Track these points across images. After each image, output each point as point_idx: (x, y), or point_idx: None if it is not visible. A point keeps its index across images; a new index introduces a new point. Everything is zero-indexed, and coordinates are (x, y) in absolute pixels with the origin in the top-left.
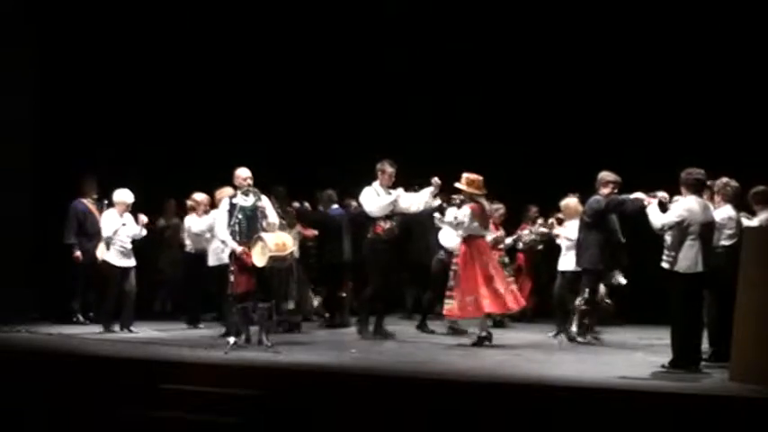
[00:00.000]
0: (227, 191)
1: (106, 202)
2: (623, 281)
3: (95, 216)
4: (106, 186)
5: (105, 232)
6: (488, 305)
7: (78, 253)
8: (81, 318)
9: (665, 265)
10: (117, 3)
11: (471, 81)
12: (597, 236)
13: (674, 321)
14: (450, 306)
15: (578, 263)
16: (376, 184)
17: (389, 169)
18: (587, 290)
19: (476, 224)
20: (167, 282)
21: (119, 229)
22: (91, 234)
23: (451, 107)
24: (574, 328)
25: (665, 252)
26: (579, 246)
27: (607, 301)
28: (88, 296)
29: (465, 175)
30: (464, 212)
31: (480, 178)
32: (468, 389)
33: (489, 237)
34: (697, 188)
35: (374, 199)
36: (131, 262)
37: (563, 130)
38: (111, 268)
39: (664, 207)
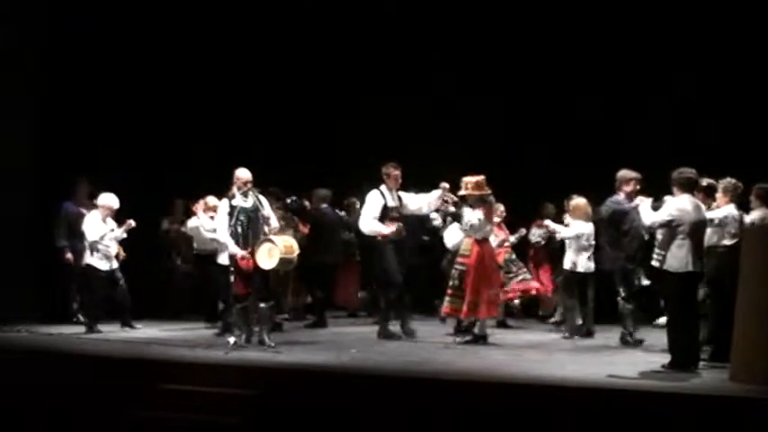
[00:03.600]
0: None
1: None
2: (645, 282)
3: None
4: (107, 189)
5: (90, 236)
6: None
7: (69, 255)
8: (81, 318)
9: (655, 263)
10: (117, 5)
11: (476, 80)
12: (617, 236)
13: (668, 322)
14: (471, 308)
15: (602, 263)
16: (383, 187)
17: (395, 172)
18: (623, 289)
19: (489, 227)
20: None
21: (105, 234)
22: (82, 236)
23: (455, 107)
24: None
25: (656, 251)
26: (600, 246)
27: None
28: (84, 297)
29: (467, 180)
30: (477, 215)
31: (482, 177)
32: (467, 389)
33: (494, 240)
34: (689, 187)
35: (370, 217)
36: (115, 264)
37: (574, 128)
38: (95, 272)
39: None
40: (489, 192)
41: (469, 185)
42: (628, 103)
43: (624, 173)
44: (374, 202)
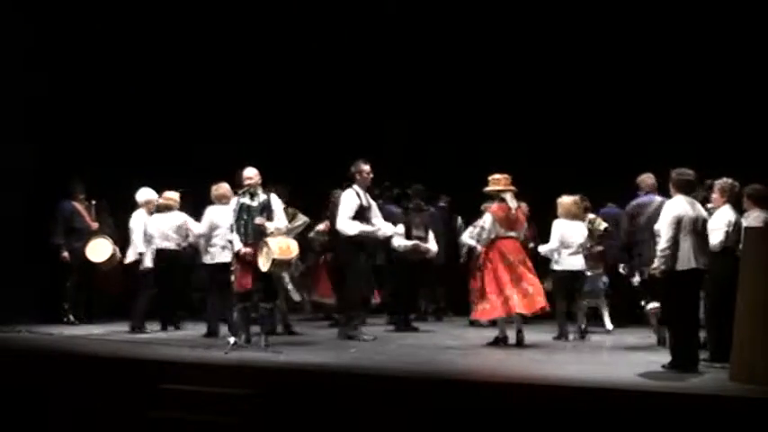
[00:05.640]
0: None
1: (94, 202)
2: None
3: (83, 216)
4: (108, 186)
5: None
6: (518, 305)
7: (66, 253)
8: (72, 318)
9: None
10: (117, 2)
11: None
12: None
13: (669, 321)
14: (480, 308)
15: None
16: (356, 186)
17: (365, 168)
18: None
19: (498, 228)
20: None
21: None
22: (78, 234)
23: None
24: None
25: (657, 250)
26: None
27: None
28: (79, 295)
29: (492, 177)
30: (486, 219)
31: (506, 176)
32: (468, 389)
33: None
34: (687, 189)
35: (348, 218)
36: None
37: (557, 129)
38: (144, 269)
39: None
40: (510, 189)
41: (490, 182)
42: (621, 103)
43: (645, 176)
44: (350, 201)
